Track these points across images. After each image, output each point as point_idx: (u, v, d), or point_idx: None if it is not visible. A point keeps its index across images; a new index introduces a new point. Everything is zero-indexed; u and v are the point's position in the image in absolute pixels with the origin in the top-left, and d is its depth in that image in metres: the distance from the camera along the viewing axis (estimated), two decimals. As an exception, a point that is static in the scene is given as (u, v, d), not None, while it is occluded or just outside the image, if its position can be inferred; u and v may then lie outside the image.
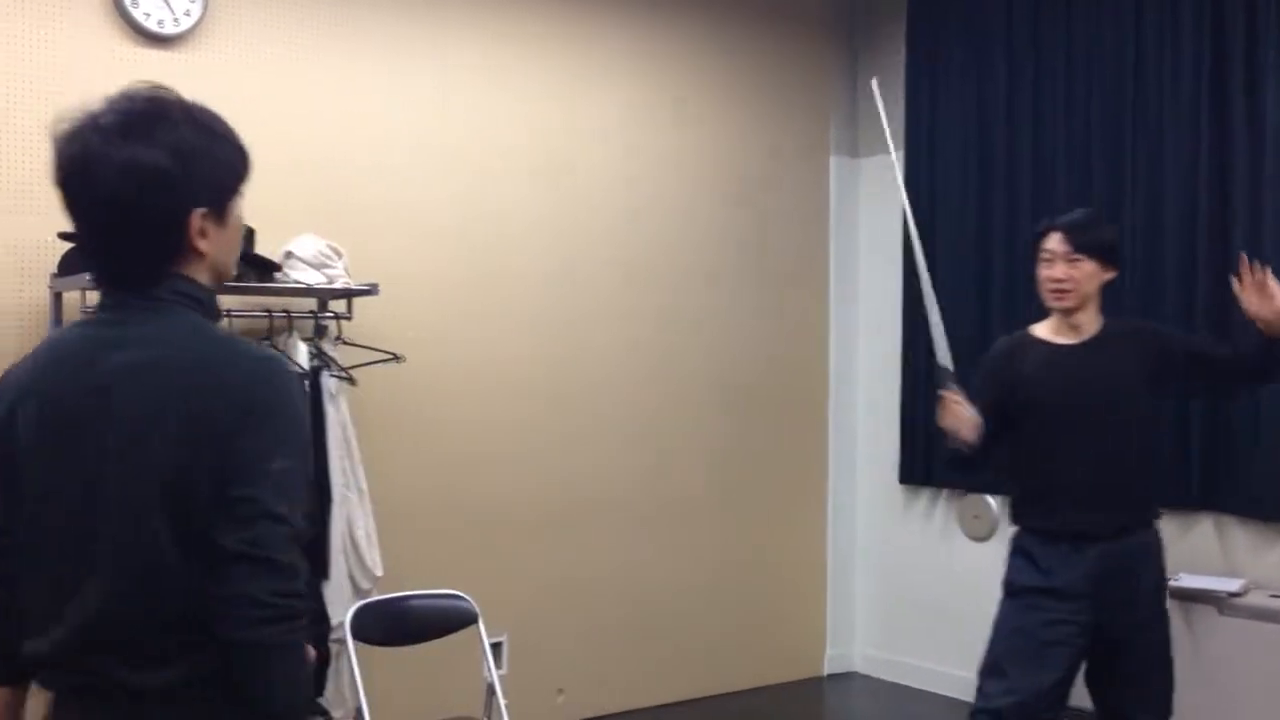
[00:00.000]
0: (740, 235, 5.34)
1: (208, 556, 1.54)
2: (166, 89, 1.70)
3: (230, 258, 1.75)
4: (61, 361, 1.67)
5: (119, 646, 1.58)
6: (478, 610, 3.57)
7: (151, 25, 3.97)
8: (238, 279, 3.76)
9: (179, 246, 1.66)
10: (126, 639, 1.58)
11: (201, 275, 1.70)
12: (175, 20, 4.01)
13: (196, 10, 4.04)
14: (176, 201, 1.64)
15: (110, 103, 1.65)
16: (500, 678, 3.57)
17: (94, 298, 3.56)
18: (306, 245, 4.01)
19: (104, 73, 3.87)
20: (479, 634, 3.54)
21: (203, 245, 1.67)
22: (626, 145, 5.01)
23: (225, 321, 3.89)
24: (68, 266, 3.63)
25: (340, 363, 4.08)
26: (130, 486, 1.58)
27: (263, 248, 3.90)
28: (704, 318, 5.22)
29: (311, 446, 1.90)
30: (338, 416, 3.98)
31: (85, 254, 1.77)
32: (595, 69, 4.93)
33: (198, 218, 1.65)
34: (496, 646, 3.79)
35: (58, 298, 3.71)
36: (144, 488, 1.57)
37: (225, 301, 3.85)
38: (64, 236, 3.61)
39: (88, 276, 3.47)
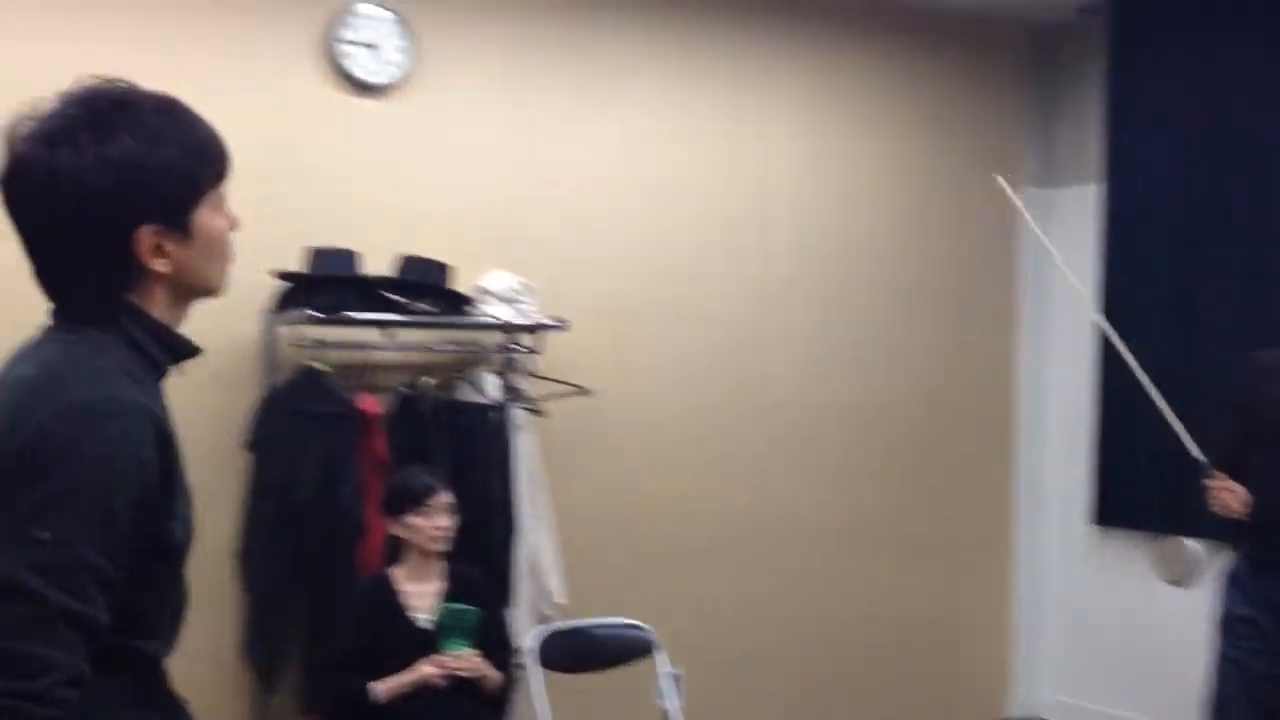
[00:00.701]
0: (928, 266, 5.29)
1: None
2: (124, 84, 1.46)
3: (208, 268, 1.50)
4: None
5: None
6: (657, 641, 3.64)
7: (362, 75, 4.20)
8: (430, 314, 3.96)
9: (125, 269, 1.43)
10: None
11: (160, 298, 1.47)
12: (384, 70, 4.24)
13: (405, 61, 4.26)
14: (114, 221, 1.40)
15: (53, 101, 1.42)
16: (677, 709, 3.63)
17: (309, 331, 3.87)
18: (499, 281, 4.17)
19: (315, 121, 4.13)
20: (658, 664, 3.60)
21: (160, 265, 1.43)
22: (814, 176, 5.04)
23: (405, 356, 4.10)
24: (283, 303, 3.87)
25: (529, 395, 4.22)
26: None
27: (458, 283, 4.09)
28: (889, 349, 5.19)
29: (153, 516, 1.40)
30: (525, 448, 4.13)
31: (34, 271, 1.46)
32: (781, 103, 4.98)
33: (145, 235, 1.41)
34: (673, 677, 3.84)
35: (271, 334, 3.96)
36: None
37: (419, 336, 4.12)
38: (280, 276, 3.88)
39: (305, 312, 3.72)
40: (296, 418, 3.81)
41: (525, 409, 4.18)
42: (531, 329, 4.24)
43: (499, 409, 4.11)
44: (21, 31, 3.73)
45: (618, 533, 4.61)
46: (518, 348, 4.29)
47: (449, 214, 4.34)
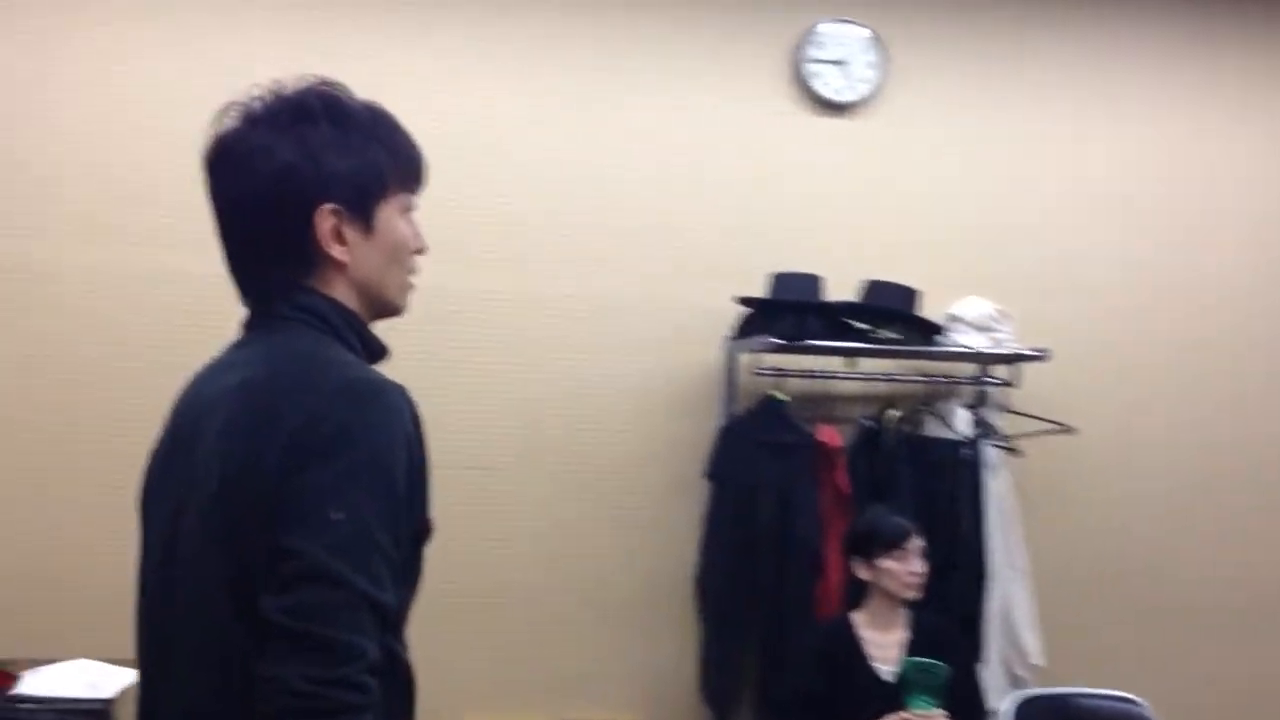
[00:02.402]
0: None
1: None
2: (334, 83, 1.49)
3: (387, 273, 1.47)
4: (187, 388, 1.49)
5: None
6: (1154, 718, 3.18)
7: (829, 93, 4.04)
8: (897, 342, 3.71)
9: (306, 252, 1.42)
10: None
11: (341, 292, 1.45)
12: (852, 87, 4.06)
13: (874, 76, 4.06)
14: (298, 194, 1.40)
15: (260, 91, 1.46)
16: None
17: (770, 359, 3.76)
18: (973, 307, 3.86)
19: (781, 141, 4.02)
20: (1153, 746, 3.14)
21: (338, 252, 1.43)
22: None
23: (864, 386, 3.85)
24: (745, 329, 3.77)
25: (1004, 432, 3.86)
26: (198, 547, 1.33)
27: (927, 310, 3.82)
28: None
29: (415, 497, 1.36)
30: (998, 488, 3.77)
31: (227, 263, 1.47)
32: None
33: (326, 214, 1.41)
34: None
35: (732, 360, 3.87)
36: (207, 547, 1.31)
37: (883, 365, 3.88)
38: (742, 301, 3.78)
39: (767, 338, 3.60)
40: (756, 448, 3.69)
41: (999, 446, 3.82)
42: (1008, 359, 3.88)
43: (970, 445, 3.78)
44: (485, 81, 3.88)
45: (1103, 587, 4.12)
46: (992, 380, 3.94)
47: (918, 236, 4.08)
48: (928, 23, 4.12)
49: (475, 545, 3.74)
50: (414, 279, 1.55)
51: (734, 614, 3.69)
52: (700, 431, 3.84)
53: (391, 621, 1.31)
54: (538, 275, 3.85)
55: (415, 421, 1.37)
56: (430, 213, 3.67)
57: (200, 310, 3.44)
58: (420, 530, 1.39)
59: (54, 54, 3.59)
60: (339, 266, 1.44)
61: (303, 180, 1.40)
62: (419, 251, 1.54)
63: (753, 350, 3.75)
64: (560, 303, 3.86)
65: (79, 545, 3.49)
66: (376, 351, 1.51)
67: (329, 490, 1.25)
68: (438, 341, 3.75)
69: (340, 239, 1.43)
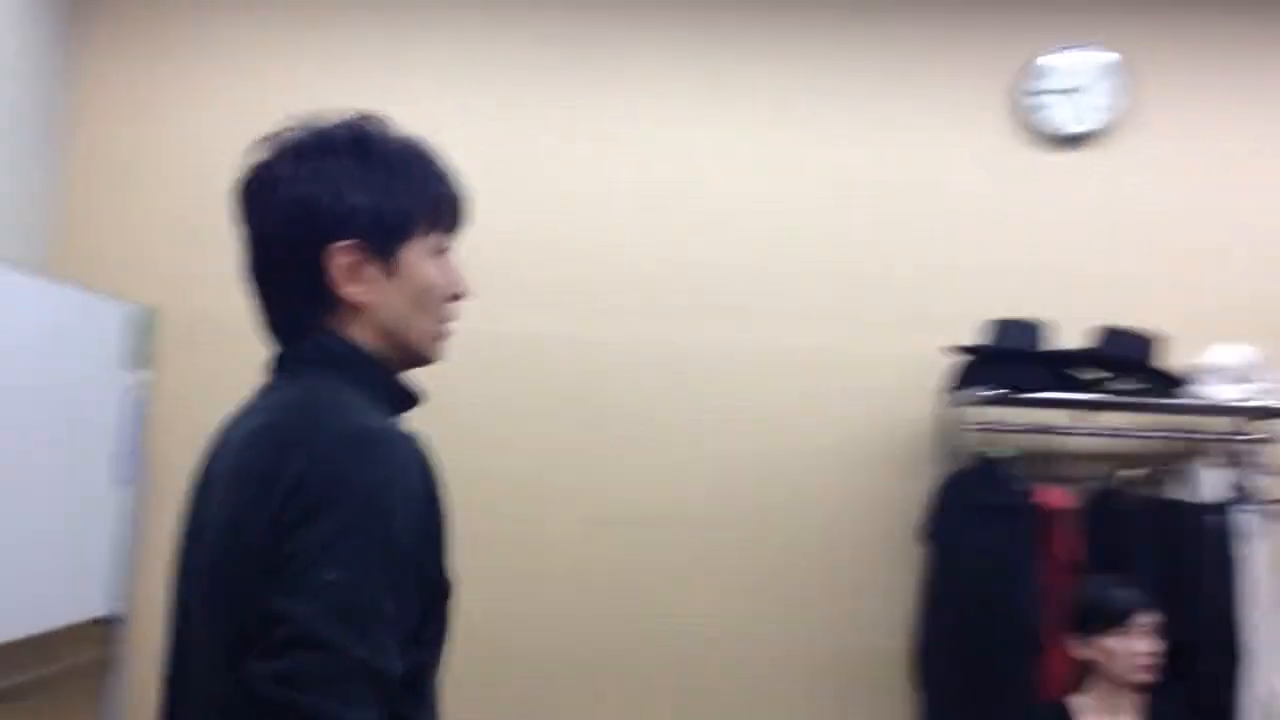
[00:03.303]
0: None
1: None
2: (373, 116, 1.40)
3: (412, 317, 1.37)
4: (217, 431, 1.42)
5: None
6: None
7: (1056, 127, 3.74)
8: (1134, 394, 3.36)
9: (323, 291, 1.33)
10: None
11: (363, 335, 1.35)
12: (1083, 117, 3.75)
13: (1108, 106, 3.73)
14: (314, 228, 1.32)
15: (295, 123, 1.40)
16: None
17: (988, 413, 3.48)
18: (1227, 355, 3.45)
19: (1002, 178, 3.74)
20: None
21: (355, 291, 1.33)
22: None
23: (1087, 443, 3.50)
24: (961, 381, 3.51)
25: (1261, 494, 3.41)
26: (202, 597, 1.28)
27: (1169, 359, 3.44)
28: None
29: (429, 553, 1.27)
30: (1255, 559, 3.32)
31: (252, 300, 1.41)
32: None
33: (342, 251, 1.32)
34: None
35: (946, 415, 3.60)
36: (210, 600, 1.26)
37: (1117, 420, 3.51)
38: (957, 350, 3.52)
39: (983, 391, 3.33)
40: (972, 510, 3.40)
41: (1256, 511, 3.38)
42: (1268, 414, 3.44)
43: (1221, 510, 3.36)
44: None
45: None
46: (1248, 436, 3.50)
47: (1158, 276, 3.70)
48: (1174, 47, 3.76)
49: (669, 610, 3.62)
50: (450, 326, 1.44)
51: (948, 691, 3.40)
52: (912, 491, 3.59)
53: (401, 688, 1.19)
54: (739, 325, 3.72)
55: (428, 472, 1.27)
56: (633, 267, 3.76)
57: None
58: (439, 589, 1.29)
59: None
60: (358, 308, 1.35)
61: (319, 213, 1.33)
62: (456, 297, 1.43)
63: (969, 403, 3.48)
64: (762, 354, 3.71)
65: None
66: (404, 399, 1.41)
67: (322, 548, 1.16)
68: (630, 393, 3.67)
69: (358, 278, 1.34)
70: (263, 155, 1.38)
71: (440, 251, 1.42)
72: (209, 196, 3.53)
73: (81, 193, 3.74)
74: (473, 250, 3.63)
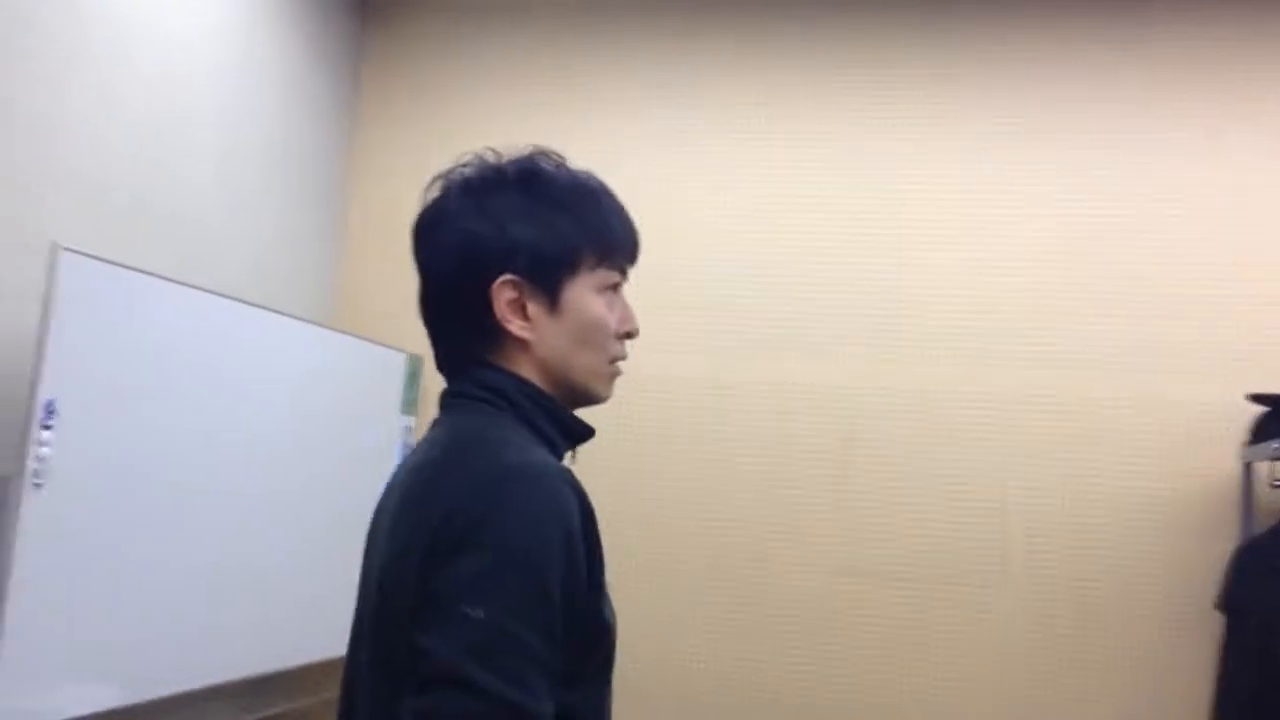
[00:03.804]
0: None
1: None
2: (548, 152, 1.38)
3: (576, 355, 1.33)
4: (395, 472, 1.39)
5: None
6: None
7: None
8: None
9: (488, 325, 1.31)
10: None
11: (529, 371, 1.32)
12: None
13: None
14: (478, 262, 1.30)
15: (470, 159, 1.38)
16: None
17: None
18: None
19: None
20: None
21: (518, 328, 1.30)
22: None
23: None
24: (1260, 433, 3.17)
25: None
26: (371, 641, 1.26)
27: None
28: None
29: (581, 593, 1.20)
30: None
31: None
32: None
33: (505, 286, 1.30)
34: None
35: (1247, 469, 3.25)
36: (373, 632, 1.24)
37: None
38: (1257, 400, 3.19)
39: (1275, 445, 2.99)
40: (1274, 574, 3.04)
41: None
42: None
43: None
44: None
45: None
46: None
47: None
48: None
49: (934, 668, 3.41)
50: (620, 364, 1.38)
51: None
52: (1210, 553, 3.26)
53: None
54: (1010, 368, 3.50)
55: (583, 510, 1.22)
56: (904, 311, 3.61)
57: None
58: (596, 629, 1.24)
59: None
60: (522, 343, 1.32)
61: (483, 248, 1.31)
62: (627, 335, 1.39)
63: (1273, 457, 3.12)
64: (1038, 399, 3.47)
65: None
66: (576, 434, 1.37)
67: (466, 585, 1.13)
68: (887, 440, 3.51)
69: (521, 313, 1.31)
70: (435, 192, 1.38)
71: (608, 288, 1.37)
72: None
73: (359, 251, 3.97)
74: (747, 297, 3.65)
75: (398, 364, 3.66)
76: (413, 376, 3.72)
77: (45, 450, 2.40)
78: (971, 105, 3.62)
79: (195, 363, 2.87)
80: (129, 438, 2.65)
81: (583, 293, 1.34)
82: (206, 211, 3.32)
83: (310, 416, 3.29)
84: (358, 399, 3.52)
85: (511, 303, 1.31)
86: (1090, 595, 3.38)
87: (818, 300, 3.64)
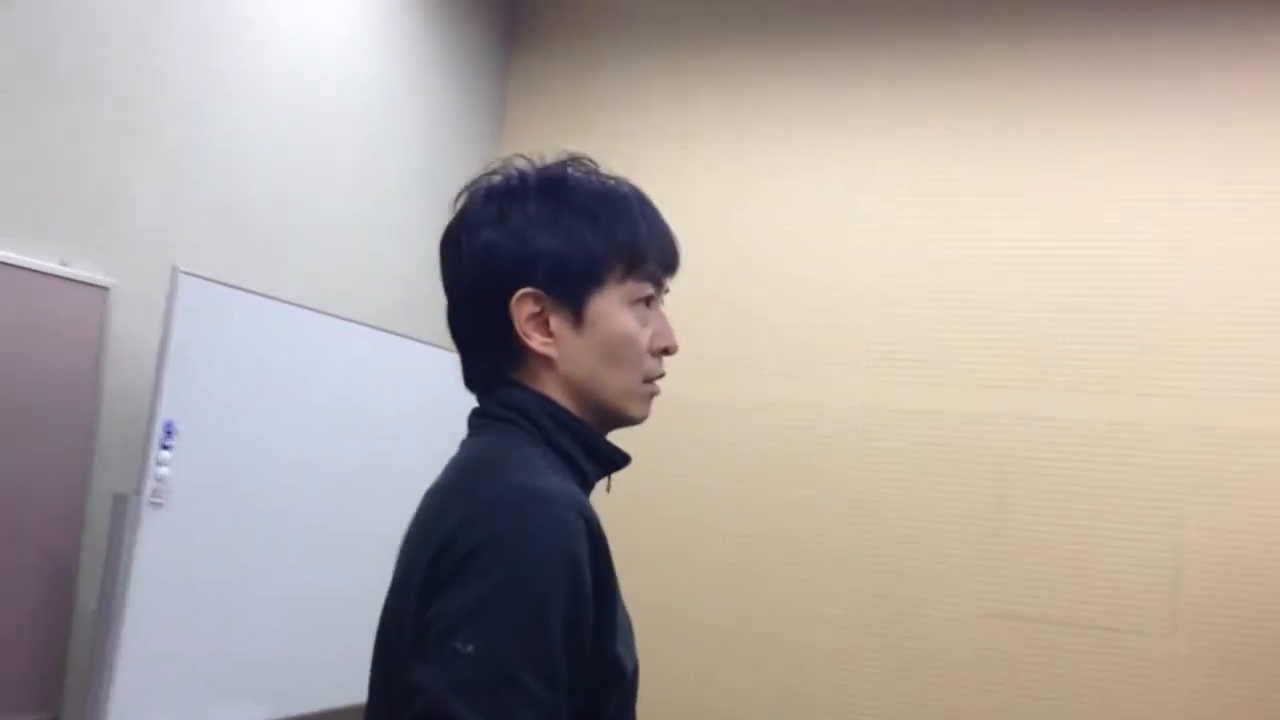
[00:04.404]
0: None
1: None
2: (580, 159, 1.30)
3: (604, 372, 1.25)
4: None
5: None
6: None
7: None
8: None
9: (510, 342, 1.23)
10: None
11: (554, 389, 1.24)
12: None
13: None
14: (496, 275, 1.23)
15: (499, 168, 1.31)
16: None
17: None
18: None
19: None
20: None
21: (540, 344, 1.22)
22: None
23: None
24: None
25: None
26: (377, 668, 1.22)
27: None
28: None
29: (588, 627, 1.09)
30: None
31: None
32: None
33: (524, 299, 1.22)
34: None
35: None
36: (380, 670, 1.21)
37: None
38: None
39: None
40: None
41: None
42: None
43: None
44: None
45: None
46: None
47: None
48: None
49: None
50: (656, 383, 1.29)
51: None
52: None
53: None
54: (1191, 399, 3.22)
55: (593, 541, 1.13)
56: (1061, 344, 3.38)
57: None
58: (608, 669, 1.14)
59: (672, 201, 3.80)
60: (548, 361, 1.24)
61: (502, 259, 1.23)
62: (666, 351, 1.29)
63: None
64: (1211, 431, 3.18)
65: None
66: (607, 459, 1.28)
67: (459, 617, 1.06)
68: (1060, 474, 3.28)
69: (543, 328, 1.23)
70: (461, 202, 1.31)
71: (640, 300, 1.27)
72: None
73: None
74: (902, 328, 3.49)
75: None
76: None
77: (164, 470, 2.46)
78: (1122, 122, 3.38)
79: (320, 387, 2.90)
80: (250, 459, 2.69)
81: (610, 306, 1.25)
82: (347, 242, 3.38)
83: (437, 441, 3.29)
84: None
85: (533, 317, 1.23)
86: (1273, 647, 3.07)
87: (974, 327, 3.44)
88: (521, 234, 1.24)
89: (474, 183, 1.31)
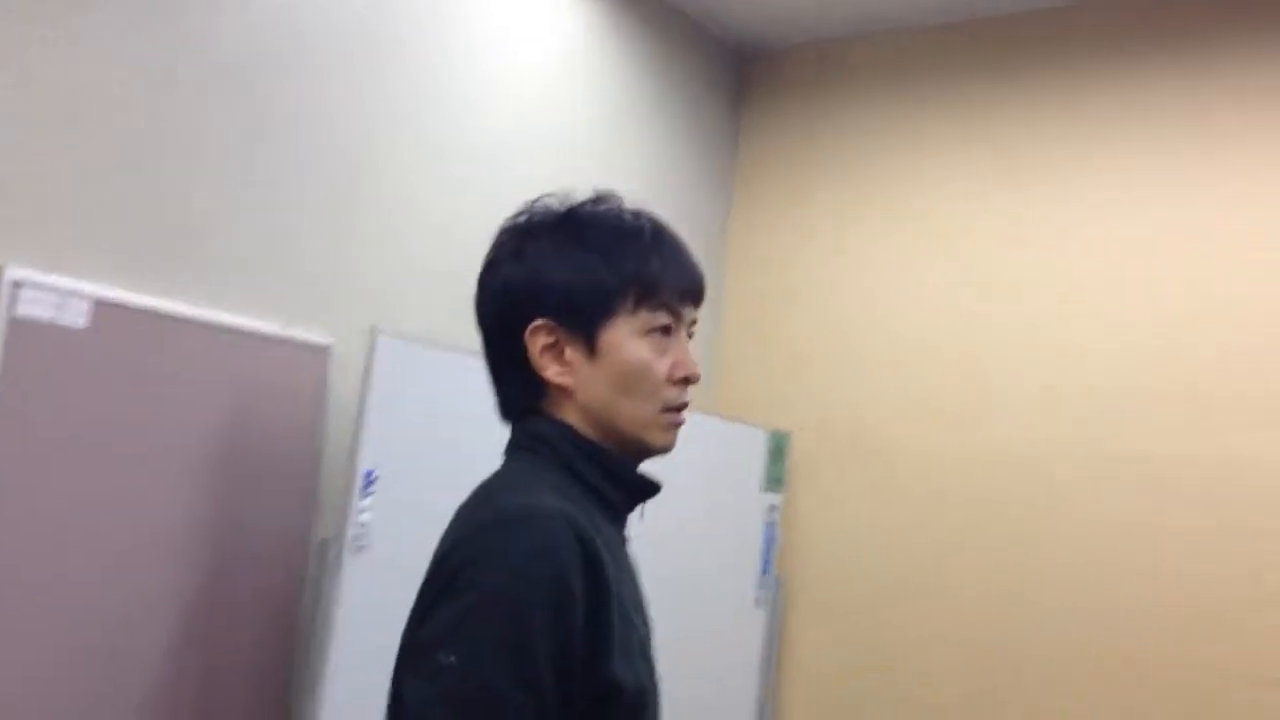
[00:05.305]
0: None
1: None
2: (603, 194, 1.35)
3: (620, 401, 1.28)
4: None
5: None
6: None
7: None
8: None
9: (529, 374, 1.29)
10: None
11: (575, 419, 1.29)
12: None
13: None
14: (513, 309, 1.30)
15: (522, 210, 1.38)
16: None
17: None
18: None
19: None
20: None
21: (555, 374, 1.28)
22: None
23: None
24: None
25: None
26: (390, 689, 1.27)
27: None
28: None
29: (579, 644, 1.11)
30: None
31: None
32: None
33: (538, 331, 1.28)
34: None
35: None
36: (392, 689, 1.24)
37: None
38: None
39: None
40: None
41: None
42: None
43: None
44: None
45: None
46: None
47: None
48: None
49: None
50: (677, 412, 1.32)
51: None
52: None
53: None
54: None
55: (586, 557, 1.16)
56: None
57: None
58: (604, 688, 1.14)
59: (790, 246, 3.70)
60: (566, 391, 1.30)
61: (517, 294, 1.30)
62: (685, 380, 1.31)
63: None
64: None
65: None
66: (631, 486, 1.32)
67: (443, 631, 1.13)
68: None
69: (558, 359, 1.29)
70: (495, 239, 1.39)
71: (655, 330, 1.31)
72: (835, 332, 3.66)
73: (730, 335, 3.98)
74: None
75: (759, 441, 3.61)
76: (777, 453, 3.65)
77: (365, 516, 2.61)
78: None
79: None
80: (445, 505, 2.79)
81: (622, 336, 1.29)
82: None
83: (670, 497, 3.30)
84: (719, 478, 3.50)
85: (548, 348, 1.29)
86: None
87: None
88: (534, 268, 1.30)
89: (505, 222, 1.39)
